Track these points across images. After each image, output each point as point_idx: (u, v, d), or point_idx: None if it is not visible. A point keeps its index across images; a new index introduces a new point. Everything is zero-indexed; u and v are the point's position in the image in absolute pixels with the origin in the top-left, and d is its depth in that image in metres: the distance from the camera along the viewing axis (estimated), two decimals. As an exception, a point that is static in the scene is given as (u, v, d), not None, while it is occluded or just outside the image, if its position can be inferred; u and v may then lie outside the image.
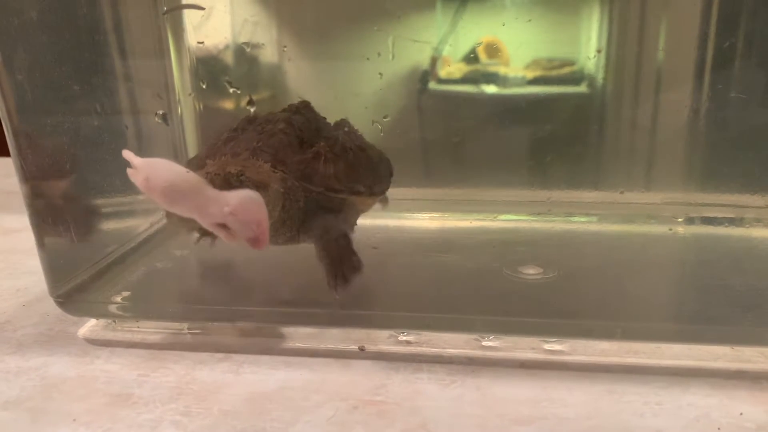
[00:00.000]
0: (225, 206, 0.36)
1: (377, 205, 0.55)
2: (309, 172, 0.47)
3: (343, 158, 0.49)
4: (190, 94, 0.61)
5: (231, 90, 0.57)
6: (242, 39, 0.60)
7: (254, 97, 0.58)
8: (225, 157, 0.45)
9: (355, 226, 0.51)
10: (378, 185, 0.52)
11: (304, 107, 0.52)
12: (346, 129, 0.52)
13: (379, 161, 0.53)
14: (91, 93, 0.53)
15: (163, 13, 0.56)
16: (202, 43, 0.60)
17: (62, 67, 0.49)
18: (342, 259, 0.46)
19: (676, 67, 0.62)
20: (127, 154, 0.37)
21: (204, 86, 0.62)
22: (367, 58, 0.58)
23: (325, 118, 0.53)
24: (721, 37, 0.59)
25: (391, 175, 0.54)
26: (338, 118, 0.54)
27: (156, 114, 0.56)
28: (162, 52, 0.61)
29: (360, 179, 0.50)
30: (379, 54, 0.57)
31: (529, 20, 0.59)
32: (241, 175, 0.41)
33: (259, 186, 0.41)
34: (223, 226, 0.37)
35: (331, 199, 0.48)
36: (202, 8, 0.52)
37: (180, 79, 0.62)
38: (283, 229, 0.46)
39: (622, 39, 0.63)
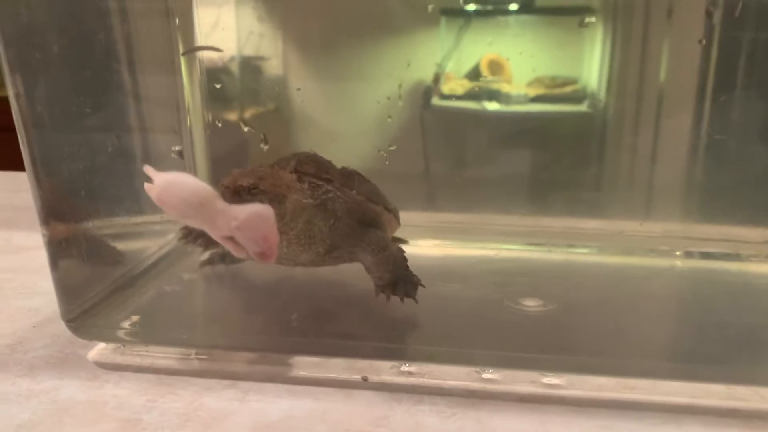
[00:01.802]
0: (233, 220, 0.37)
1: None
2: (349, 183, 0.50)
3: (367, 182, 0.53)
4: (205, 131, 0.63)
5: (246, 129, 0.59)
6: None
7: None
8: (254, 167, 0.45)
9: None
10: (397, 213, 0.56)
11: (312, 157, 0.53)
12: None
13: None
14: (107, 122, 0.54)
15: (182, 54, 0.58)
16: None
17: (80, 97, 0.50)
18: (405, 276, 0.49)
19: (678, 98, 0.63)
20: (148, 169, 0.38)
21: (219, 124, 0.63)
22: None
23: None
24: (722, 73, 0.60)
25: (399, 223, 0.57)
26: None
27: (172, 150, 0.57)
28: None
29: (385, 201, 0.53)
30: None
31: (520, 52, 0.60)
32: (254, 188, 0.41)
33: (273, 199, 0.41)
34: (232, 240, 0.38)
35: (367, 212, 0.51)
36: (220, 50, 0.54)
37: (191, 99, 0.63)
38: (311, 243, 0.47)
39: (623, 74, 0.64)
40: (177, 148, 0.58)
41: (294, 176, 0.46)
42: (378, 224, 0.52)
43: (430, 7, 0.61)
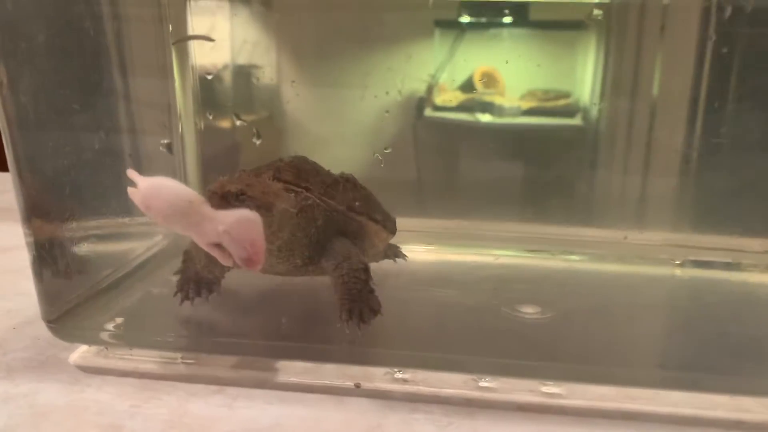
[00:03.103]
0: (220, 225, 0.36)
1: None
2: (330, 192, 0.48)
3: (358, 189, 0.51)
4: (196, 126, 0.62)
5: (238, 122, 0.57)
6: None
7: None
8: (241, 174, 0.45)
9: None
10: (389, 223, 0.53)
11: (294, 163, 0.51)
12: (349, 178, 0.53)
13: (385, 211, 0.54)
14: (94, 118, 0.53)
15: (173, 43, 0.57)
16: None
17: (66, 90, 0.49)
18: (361, 297, 0.45)
19: (673, 107, 0.63)
20: (131, 174, 0.37)
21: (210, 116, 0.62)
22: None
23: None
24: (717, 82, 0.60)
25: (393, 232, 0.54)
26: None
27: (161, 144, 0.56)
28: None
29: (375, 210, 0.51)
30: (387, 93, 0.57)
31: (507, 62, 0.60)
32: (241, 194, 0.40)
33: (261, 206, 0.40)
34: (219, 246, 0.37)
35: (350, 222, 0.49)
36: (212, 40, 0.52)
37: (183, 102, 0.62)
38: (291, 254, 0.46)
39: (618, 82, 0.63)
40: (165, 141, 0.57)
41: (281, 185, 0.45)
42: (360, 235, 0.50)
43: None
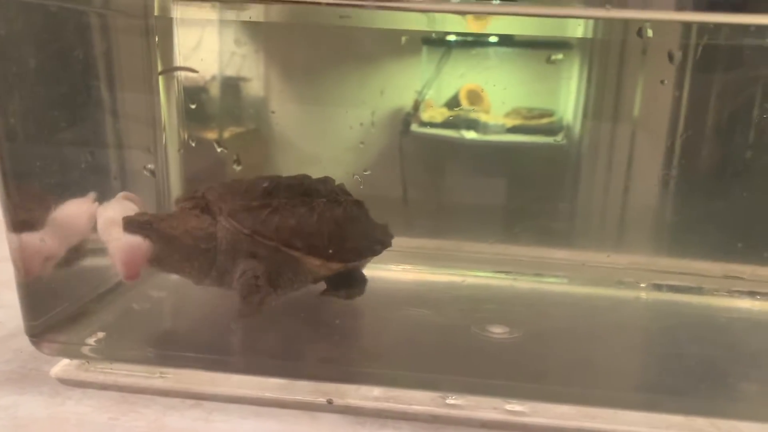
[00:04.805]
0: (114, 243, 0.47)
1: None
2: (243, 216, 0.50)
3: (296, 214, 0.51)
4: (179, 150, 0.64)
5: (219, 150, 0.59)
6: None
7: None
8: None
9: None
10: (340, 252, 0.52)
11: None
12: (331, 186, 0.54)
13: (361, 231, 0.55)
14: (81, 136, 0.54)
15: (159, 74, 0.58)
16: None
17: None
18: (244, 294, 0.49)
19: (649, 134, 0.65)
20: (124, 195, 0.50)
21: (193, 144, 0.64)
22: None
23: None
24: (692, 111, 0.62)
25: (373, 253, 0.55)
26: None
27: (145, 168, 0.58)
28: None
29: (308, 237, 0.51)
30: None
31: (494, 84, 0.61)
32: (146, 223, 0.48)
33: (162, 236, 0.47)
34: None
35: (260, 246, 0.50)
36: (196, 71, 0.54)
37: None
38: (201, 271, 0.50)
39: (598, 108, 0.66)
40: (150, 166, 0.58)
41: (202, 220, 0.50)
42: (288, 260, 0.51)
43: (403, 38, 0.62)
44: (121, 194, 0.53)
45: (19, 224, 0.46)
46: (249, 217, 0.50)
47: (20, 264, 0.47)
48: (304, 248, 0.51)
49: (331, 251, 0.52)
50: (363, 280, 0.56)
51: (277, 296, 0.50)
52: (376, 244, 0.55)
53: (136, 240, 0.47)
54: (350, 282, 0.55)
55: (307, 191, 0.53)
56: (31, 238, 0.48)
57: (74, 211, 0.51)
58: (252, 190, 0.51)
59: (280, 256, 0.50)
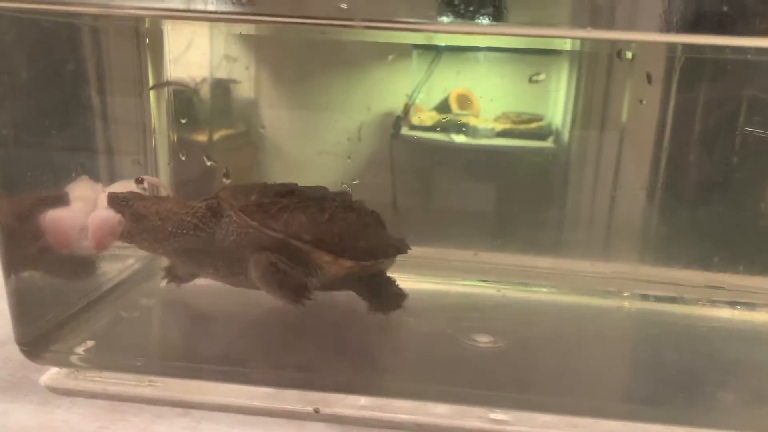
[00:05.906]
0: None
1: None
2: (252, 210, 0.50)
3: (307, 212, 0.51)
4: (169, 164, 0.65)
5: (209, 163, 0.60)
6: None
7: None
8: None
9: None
10: (352, 249, 0.52)
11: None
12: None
13: (374, 234, 0.55)
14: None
15: (150, 89, 0.59)
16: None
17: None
18: (271, 284, 0.49)
19: (636, 143, 0.66)
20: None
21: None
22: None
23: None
24: (678, 123, 0.63)
25: (386, 255, 0.55)
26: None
27: (135, 180, 0.58)
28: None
29: (317, 231, 0.51)
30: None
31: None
32: (124, 199, 0.51)
33: (133, 214, 0.50)
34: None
35: (269, 240, 0.50)
36: (188, 86, 0.55)
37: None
38: (176, 254, 0.53)
39: (586, 115, 0.66)
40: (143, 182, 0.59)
41: (183, 206, 0.51)
42: (301, 256, 0.51)
43: (390, 57, 0.63)
44: (146, 177, 0.57)
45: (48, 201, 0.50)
46: (259, 211, 0.50)
47: (58, 238, 0.50)
48: (313, 241, 0.50)
49: (341, 247, 0.51)
50: (400, 294, 0.55)
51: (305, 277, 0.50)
52: (391, 247, 0.55)
53: (110, 214, 0.50)
54: (384, 294, 0.55)
55: (322, 198, 0.53)
56: (62, 212, 0.51)
57: (86, 189, 0.53)
58: (265, 192, 0.52)
59: (288, 250, 0.50)
